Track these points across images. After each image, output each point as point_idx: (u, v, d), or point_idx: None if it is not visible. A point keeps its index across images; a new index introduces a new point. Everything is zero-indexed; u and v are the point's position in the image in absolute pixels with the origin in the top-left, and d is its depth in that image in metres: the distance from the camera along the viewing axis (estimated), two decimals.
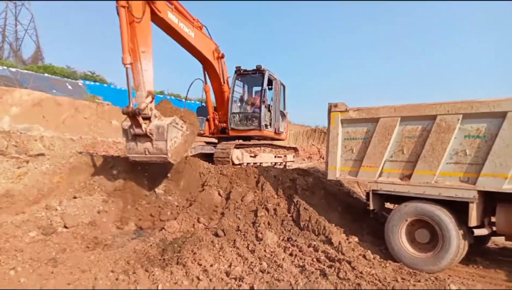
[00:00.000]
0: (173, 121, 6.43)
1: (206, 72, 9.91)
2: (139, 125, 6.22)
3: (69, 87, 24.68)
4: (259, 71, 9.95)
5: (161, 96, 31.98)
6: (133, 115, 6.12)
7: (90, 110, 21.87)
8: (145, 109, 6.20)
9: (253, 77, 10.17)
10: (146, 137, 6.36)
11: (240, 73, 10.15)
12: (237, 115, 9.99)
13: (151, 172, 7.69)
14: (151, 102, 6.32)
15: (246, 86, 10.97)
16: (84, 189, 6.95)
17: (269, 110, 10.22)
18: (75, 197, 6.64)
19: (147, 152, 6.47)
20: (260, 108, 9.79)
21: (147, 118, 6.31)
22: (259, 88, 10.31)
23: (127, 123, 6.45)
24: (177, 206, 6.99)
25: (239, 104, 10.37)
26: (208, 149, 9.93)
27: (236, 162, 9.09)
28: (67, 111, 20.42)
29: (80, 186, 7.03)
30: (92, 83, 27.65)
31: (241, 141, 9.85)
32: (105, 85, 28.99)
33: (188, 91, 13.42)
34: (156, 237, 5.79)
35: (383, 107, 5.43)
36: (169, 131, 6.33)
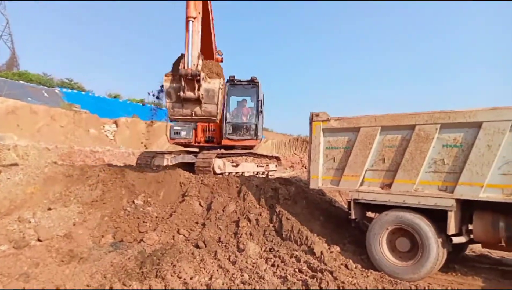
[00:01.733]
0: (220, 84, 6.49)
1: None
2: (193, 88, 6.21)
3: (45, 94, 23.98)
4: (253, 82, 10.09)
5: (142, 105, 31.60)
6: (192, 78, 6.09)
7: (67, 118, 21.33)
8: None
9: (245, 87, 10.29)
10: (196, 100, 6.35)
11: (233, 83, 10.21)
12: (234, 124, 10.10)
13: (129, 183, 7.52)
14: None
15: (235, 96, 11.04)
16: (59, 200, 6.71)
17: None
18: (49, 209, 6.39)
19: (193, 114, 6.49)
20: (257, 118, 10.06)
21: (198, 80, 6.27)
22: (248, 98, 10.53)
23: (172, 85, 6.36)
24: (156, 217, 6.82)
25: (234, 113, 10.41)
26: (189, 159, 9.81)
27: (218, 171, 9.00)
28: (43, 119, 19.85)
29: (55, 197, 6.79)
30: (70, 90, 26.97)
31: (223, 150, 9.79)
32: (83, 93, 28.35)
33: None
34: (134, 250, 5.62)
35: (363, 117, 5.50)
36: (219, 95, 6.42)
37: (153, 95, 8.84)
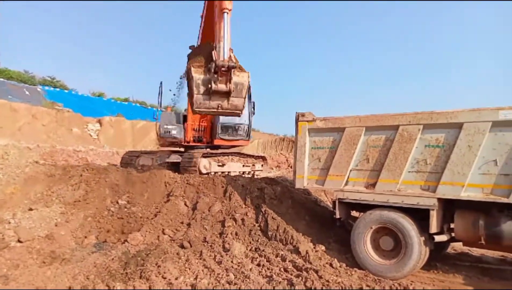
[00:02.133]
0: (249, 78, 6.41)
1: None
2: (226, 81, 6.09)
3: (27, 92, 23.35)
4: None
5: (126, 103, 31.19)
6: (227, 70, 5.99)
7: (49, 117, 20.87)
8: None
9: None
10: (225, 93, 6.22)
11: None
12: (228, 125, 10.12)
13: (113, 182, 7.41)
14: None
15: None
16: (41, 201, 6.57)
17: None
18: (30, 209, 6.26)
19: (219, 108, 6.35)
20: (249, 119, 10.21)
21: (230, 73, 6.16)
22: None
23: (204, 76, 6.17)
24: (141, 217, 6.75)
25: None
26: (175, 158, 9.74)
27: (204, 171, 8.97)
28: (24, 118, 19.38)
29: (37, 198, 6.65)
30: (52, 89, 26.33)
31: (209, 150, 9.76)
32: (66, 91, 27.71)
33: (161, 96, 10.64)
34: (118, 250, 5.54)
35: (348, 117, 5.56)
36: (247, 89, 6.40)
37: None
